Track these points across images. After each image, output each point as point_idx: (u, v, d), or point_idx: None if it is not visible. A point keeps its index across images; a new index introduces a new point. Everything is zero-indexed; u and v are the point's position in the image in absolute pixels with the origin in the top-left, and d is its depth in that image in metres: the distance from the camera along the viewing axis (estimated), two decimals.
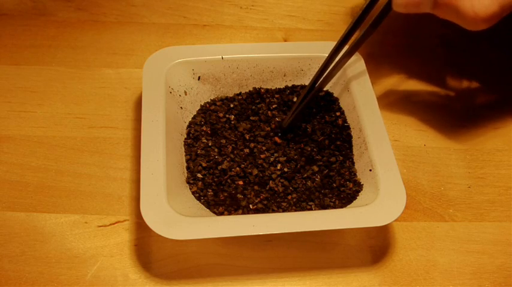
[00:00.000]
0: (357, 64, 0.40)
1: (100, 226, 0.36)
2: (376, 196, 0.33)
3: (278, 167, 0.37)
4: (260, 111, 0.40)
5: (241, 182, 0.36)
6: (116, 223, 0.36)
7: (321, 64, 0.38)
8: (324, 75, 0.38)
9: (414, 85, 0.45)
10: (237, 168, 0.37)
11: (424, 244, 0.36)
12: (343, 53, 0.37)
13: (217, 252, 0.35)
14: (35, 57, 0.45)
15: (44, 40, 0.46)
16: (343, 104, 0.40)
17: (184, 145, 0.38)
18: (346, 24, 0.49)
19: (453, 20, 0.32)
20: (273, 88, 0.42)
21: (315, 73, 0.41)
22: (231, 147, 0.38)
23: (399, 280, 0.35)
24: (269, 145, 0.38)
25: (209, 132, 0.39)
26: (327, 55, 0.41)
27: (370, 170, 0.35)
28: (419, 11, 0.33)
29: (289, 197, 0.36)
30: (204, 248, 0.35)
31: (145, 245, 0.35)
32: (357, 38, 0.36)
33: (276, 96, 0.41)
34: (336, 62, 0.38)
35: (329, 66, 0.38)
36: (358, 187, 0.36)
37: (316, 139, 0.39)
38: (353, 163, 0.37)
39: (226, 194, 0.35)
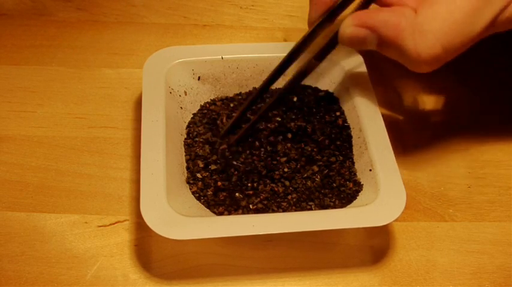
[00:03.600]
0: (357, 64, 0.40)
1: (100, 226, 0.36)
2: (376, 196, 0.33)
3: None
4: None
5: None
6: (116, 223, 0.36)
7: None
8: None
9: (415, 85, 0.45)
10: None
11: (424, 244, 0.36)
12: (289, 80, 0.36)
13: (217, 252, 0.35)
14: (35, 57, 0.45)
15: (44, 40, 0.46)
16: (343, 104, 0.40)
17: (184, 145, 0.38)
18: None
19: (397, 59, 0.31)
20: (273, 88, 0.42)
21: (314, 75, 0.41)
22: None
23: (399, 280, 0.35)
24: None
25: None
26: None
27: (370, 170, 0.35)
28: (365, 48, 0.32)
29: (289, 197, 0.36)
30: (204, 248, 0.35)
31: (145, 245, 0.35)
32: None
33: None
34: (282, 89, 0.36)
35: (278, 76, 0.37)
36: (358, 187, 0.36)
37: (316, 139, 0.39)
38: (353, 163, 0.37)
39: (225, 194, 0.36)
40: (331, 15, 0.34)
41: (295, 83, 0.36)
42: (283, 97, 0.37)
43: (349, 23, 0.31)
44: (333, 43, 0.33)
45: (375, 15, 0.31)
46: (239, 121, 0.38)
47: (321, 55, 0.34)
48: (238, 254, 0.35)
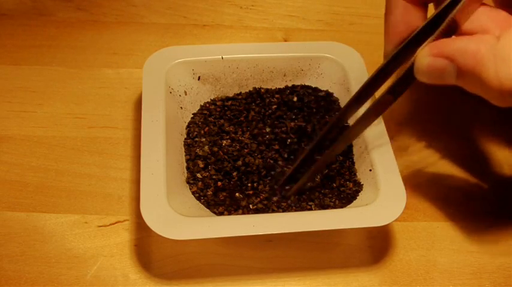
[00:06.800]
0: (357, 64, 0.40)
1: (100, 226, 0.36)
2: (376, 196, 0.33)
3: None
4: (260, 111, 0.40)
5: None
6: (116, 223, 0.36)
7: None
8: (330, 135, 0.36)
9: (414, 85, 0.45)
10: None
11: (424, 244, 0.36)
12: (360, 117, 0.33)
13: (217, 252, 0.35)
14: (35, 57, 0.45)
15: (44, 40, 0.46)
16: (343, 104, 0.40)
17: (184, 145, 0.38)
18: (346, 24, 0.49)
19: (479, 92, 0.28)
20: (273, 88, 0.42)
21: (314, 75, 0.41)
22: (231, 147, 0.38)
23: (399, 280, 0.35)
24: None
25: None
26: (327, 55, 0.41)
27: (370, 170, 0.35)
28: (444, 82, 0.28)
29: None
30: (204, 248, 0.35)
31: (145, 245, 0.35)
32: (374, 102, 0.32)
33: (276, 96, 0.41)
34: (352, 126, 0.34)
35: (341, 124, 0.36)
36: (358, 187, 0.36)
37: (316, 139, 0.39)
38: (353, 163, 0.37)
39: (225, 194, 0.35)
40: (408, 48, 0.31)
41: (364, 126, 0.33)
42: (346, 145, 0.35)
43: (426, 53, 0.28)
44: (409, 76, 0.30)
45: (453, 43, 0.28)
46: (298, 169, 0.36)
47: (396, 89, 0.31)
48: (238, 254, 0.35)
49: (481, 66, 0.26)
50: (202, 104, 0.41)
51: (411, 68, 0.29)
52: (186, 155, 0.37)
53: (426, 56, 0.28)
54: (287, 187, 0.36)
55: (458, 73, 0.27)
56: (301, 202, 0.35)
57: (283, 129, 0.39)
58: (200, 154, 0.37)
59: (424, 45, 0.29)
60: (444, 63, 0.27)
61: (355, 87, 0.39)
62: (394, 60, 0.32)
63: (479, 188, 0.39)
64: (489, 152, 0.41)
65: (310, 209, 0.35)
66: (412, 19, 0.31)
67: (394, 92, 0.31)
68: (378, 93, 0.34)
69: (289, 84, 0.42)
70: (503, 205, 0.38)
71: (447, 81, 0.28)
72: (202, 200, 0.35)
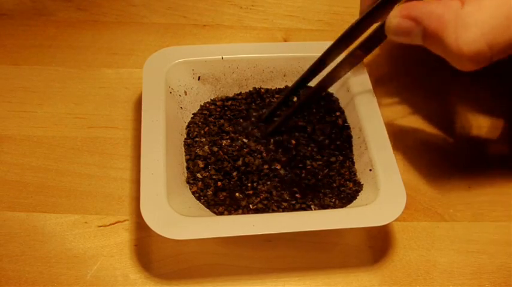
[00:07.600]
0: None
1: (100, 226, 0.36)
2: (376, 196, 0.33)
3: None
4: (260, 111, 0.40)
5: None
6: (116, 223, 0.36)
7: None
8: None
9: (414, 85, 0.45)
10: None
11: (424, 244, 0.36)
12: (334, 67, 0.36)
13: (217, 252, 0.35)
14: (35, 57, 0.45)
15: (44, 40, 0.46)
16: (343, 104, 0.40)
17: (184, 145, 0.38)
18: (346, 24, 0.49)
19: (441, 54, 0.29)
20: (273, 88, 0.42)
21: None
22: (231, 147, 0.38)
23: (399, 280, 0.35)
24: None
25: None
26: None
27: (370, 170, 0.35)
28: (412, 42, 0.30)
29: None
30: (204, 248, 0.35)
31: (145, 245, 0.35)
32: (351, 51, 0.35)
33: (276, 96, 0.41)
34: (327, 75, 0.37)
35: (319, 70, 0.38)
36: (358, 187, 0.36)
37: (316, 139, 0.39)
38: (353, 163, 0.37)
39: (225, 194, 0.36)
40: (382, 6, 0.32)
41: (338, 75, 0.35)
42: (322, 91, 0.37)
43: (396, 14, 0.30)
44: (380, 34, 0.32)
45: (421, 6, 0.29)
46: (273, 113, 0.39)
47: (367, 46, 0.33)
48: (238, 254, 0.35)
49: (444, 31, 0.28)
50: (202, 104, 0.41)
51: (382, 27, 0.31)
52: (186, 155, 0.37)
53: (396, 17, 0.30)
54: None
55: (423, 35, 0.29)
56: (299, 199, 0.35)
57: (282, 129, 0.39)
58: (200, 153, 0.37)
59: (396, 5, 0.31)
60: (411, 25, 0.29)
61: (355, 87, 0.39)
62: (368, 17, 0.33)
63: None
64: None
65: (310, 209, 0.35)
66: None
67: (365, 48, 0.33)
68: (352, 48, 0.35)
69: (289, 84, 0.42)
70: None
71: (414, 41, 0.30)
72: (202, 200, 0.35)
